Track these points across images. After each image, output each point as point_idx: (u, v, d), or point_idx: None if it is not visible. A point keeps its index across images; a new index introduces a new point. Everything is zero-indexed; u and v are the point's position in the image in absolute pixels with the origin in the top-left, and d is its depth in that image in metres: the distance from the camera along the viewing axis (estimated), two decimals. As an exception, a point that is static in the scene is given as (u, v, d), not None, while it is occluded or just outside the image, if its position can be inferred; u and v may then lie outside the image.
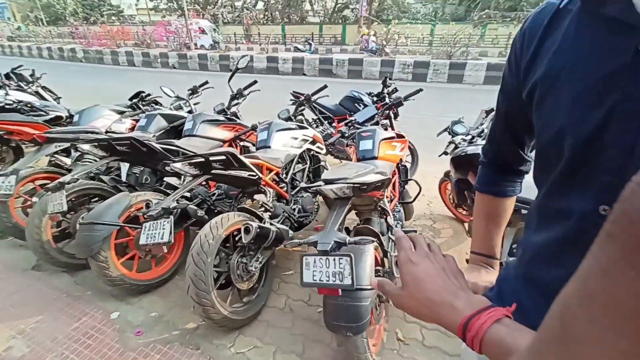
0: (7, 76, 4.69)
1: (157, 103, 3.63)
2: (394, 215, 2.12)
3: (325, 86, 3.21)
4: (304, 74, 11.15)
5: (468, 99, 7.46)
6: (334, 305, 1.32)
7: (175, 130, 2.86)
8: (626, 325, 0.17)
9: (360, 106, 3.78)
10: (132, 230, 1.97)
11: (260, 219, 1.87)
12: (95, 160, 2.19)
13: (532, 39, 0.50)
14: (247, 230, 1.65)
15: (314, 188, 1.53)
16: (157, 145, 2.10)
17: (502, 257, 1.68)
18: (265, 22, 24.88)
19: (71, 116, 3.81)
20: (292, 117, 2.70)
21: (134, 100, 3.50)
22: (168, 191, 2.19)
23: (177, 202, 1.73)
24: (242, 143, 2.95)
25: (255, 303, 1.86)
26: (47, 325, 1.74)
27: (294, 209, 2.28)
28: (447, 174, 2.82)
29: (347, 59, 10.53)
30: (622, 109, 0.38)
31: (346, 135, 2.36)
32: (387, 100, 3.69)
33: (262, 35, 20.55)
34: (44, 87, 4.94)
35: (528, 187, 0.69)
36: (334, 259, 1.25)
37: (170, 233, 1.50)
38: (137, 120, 3.33)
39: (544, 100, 0.48)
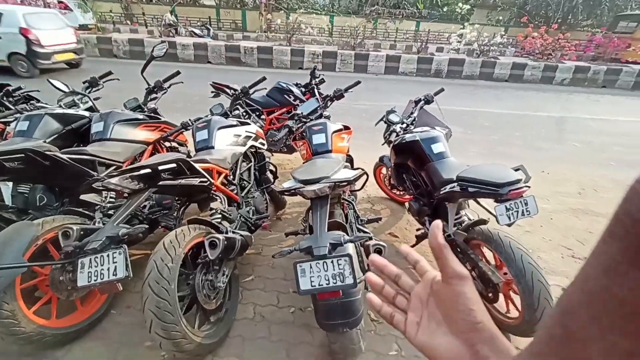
0: None
1: (31, 99, 2.82)
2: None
3: (264, 78, 3.00)
4: (209, 62, 10.26)
5: (373, 87, 8.12)
6: (327, 306, 1.32)
7: (73, 133, 2.28)
8: (628, 325, 0.17)
9: (290, 97, 3.72)
10: (41, 268, 1.52)
11: (217, 228, 1.70)
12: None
13: None
14: (213, 245, 1.48)
15: (293, 189, 1.46)
16: (64, 157, 1.64)
17: (448, 230, 1.96)
18: (149, 1, 21.67)
19: None
20: (229, 112, 2.48)
21: (-3, 97, 2.63)
22: (86, 212, 1.75)
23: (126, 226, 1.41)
24: (168, 144, 2.57)
25: (226, 320, 1.69)
26: None
27: (248, 211, 2.15)
28: (381, 159, 3.06)
29: (256, 47, 10.13)
30: None
31: (294, 129, 2.30)
32: (315, 91, 3.74)
33: (148, 16, 17.90)
34: None
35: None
36: (332, 261, 1.25)
37: (127, 267, 1.21)
38: (5, 124, 2.55)
39: None
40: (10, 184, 1.91)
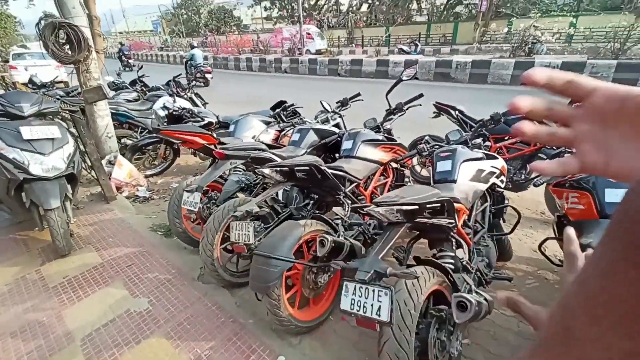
0: (167, 84, 5.45)
1: (297, 114, 3.60)
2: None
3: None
4: (416, 78, 10.38)
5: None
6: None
7: (324, 146, 2.69)
8: (628, 327, 0.17)
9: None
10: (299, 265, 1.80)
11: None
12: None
13: None
14: (462, 307, 1.26)
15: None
16: (329, 171, 1.89)
17: None
18: (369, 24, 24.65)
19: (219, 122, 4.11)
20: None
21: (277, 110, 3.53)
22: (333, 221, 1.96)
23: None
24: (395, 165, 2.60)
25: None
26: (220, 356, 1.67)
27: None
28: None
29: (470, 61, 9.34)
30: None
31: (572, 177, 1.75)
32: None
33: (366, 38, 20.36)
34: (196, 94, 5.59)
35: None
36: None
37: (392, 311, 1.19)
38: (280, 131, 3.33)
39: None
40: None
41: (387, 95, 2.63)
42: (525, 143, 3.12)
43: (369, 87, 3.02)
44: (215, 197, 2.47)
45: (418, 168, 3.64)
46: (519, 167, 3.17)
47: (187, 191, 2.19)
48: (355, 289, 1.23)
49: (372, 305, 1.19)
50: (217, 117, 4.12)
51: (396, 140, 2.47)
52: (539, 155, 3.03)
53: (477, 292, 1.45)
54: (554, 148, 2.67)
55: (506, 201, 2.14)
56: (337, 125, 2.94)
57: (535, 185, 2.26)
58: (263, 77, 13.87)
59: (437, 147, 2.12)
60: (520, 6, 19.17)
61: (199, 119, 3.92)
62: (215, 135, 2.79)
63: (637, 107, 0.28)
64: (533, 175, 2.88)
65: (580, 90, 0.31)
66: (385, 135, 2.53)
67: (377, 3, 24.65)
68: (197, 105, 5.28)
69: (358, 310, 1.20)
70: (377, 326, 1.20)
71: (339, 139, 2.63)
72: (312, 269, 1.79)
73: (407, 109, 2.62)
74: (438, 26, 20.68)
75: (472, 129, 2.31)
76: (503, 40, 13.87)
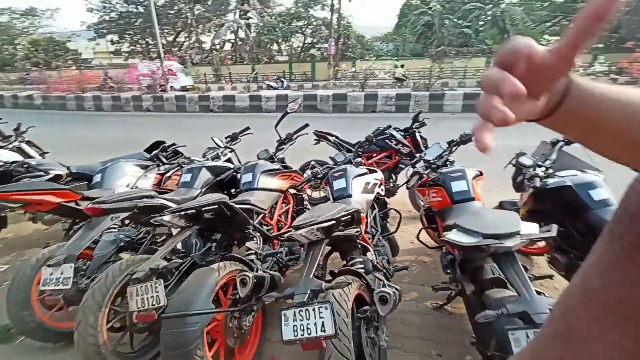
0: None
1: (178, 153, 3.33)
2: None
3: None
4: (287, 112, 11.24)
5: (449, 126, 7.84)
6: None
7: (220, 183, 2.59)
8: (629, 324, 0.17)
9: (391, 142, 3.77)
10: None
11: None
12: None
13: None
14: (383, 300, 1.43)
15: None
16: (237, 206, 1.84)
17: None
18: (235, 62, 25.34)
19: (72, 174, 3.38)
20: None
21: (155, 152, 3.18)
22: (247, 258, 1.89)
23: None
24: (293, 191, 2.75)
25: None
26: None
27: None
28: (500, 205, 2.80)
29: (331, 94, 10.85)
30: None
31: (424, 175, 2.27)
32: (416, 135, 3.75)
33: (234, 75, 20.81)
34: (28, 142, 4.38)
35: None
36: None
37: (334, 323, 1.22)
38: (162, 174, 3.01)
39: None
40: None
41: (276, 127, 2.80)
42: (387, 157, 3.85)
43: (245, 121, 3.14)
44: (84, 268, 1.96)
45: (309, 191, 3.92)
46: (387, 177, 3.87)
47: (50, 266, 1.68)
48: (295, 314, 1.23)
49: (315, 324, 1.20)
50: (68, 168, 3.35)
51: (291, 168, 2.64)
52: (400, 165, 3.79)
53: (389, 285, 1.67)
54: (409, 159, 3.41)
55: (388, 205, 2.57)
56: (228, 161, 2.90)
57: (407, 188, 2.80)
58: (120, 117, 12.13)
59: (328, 169, 2.38)
60: (359, 51, 23.78)
61: (41, 173, 3.10)
62: (73, 189, 2.28)
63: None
64: (399, 183, 3.54)
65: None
66: (280, 164, 2.66)
67: (240, 43, 25.78)
68: (30, 157, 4.13)
69: (302, 335, 1.20)
70: (324, 342, 1.21)
71: (234, 173, 2.60)
72: (234, 314, 1.67)
73: (296, 138, 2.84)
74: (299, 65, 23.23)
75: (354, 151, 2.71)
76: (352, 77, 16.76)
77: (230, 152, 2.89)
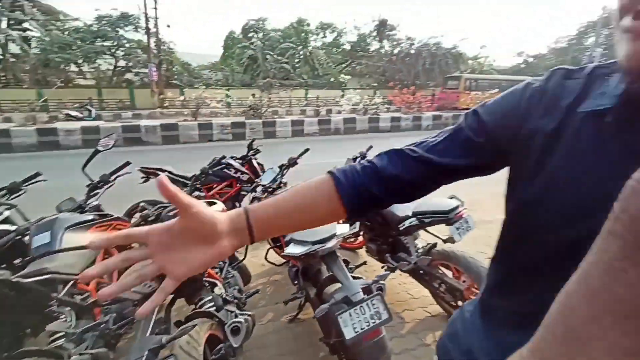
0: None
1: None
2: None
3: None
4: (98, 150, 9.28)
5: (293, 150, 8.77)
6: (371, 347, 1.40)
7: (-7, 253, 1.85)
8: (629, 324, 0.17)
9: (230, 171, 3.79)
10: None
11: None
12: None
13: (548, 111, 0.45)
14: (235, 331, 1.44)
15: (311, 251, 1.60)
16: (28, 281, 1.38)
17: (413, 259, 2.31)
18: (6, 84, 18.77)
19: None
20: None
21: None
22: (51, 348, 1.43)
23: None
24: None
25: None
26: None
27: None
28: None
29: (159, 124, 9.81)
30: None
31: (262, 199, 2.42)
32: (252, 161, 3.96)
33: (4, 101, 15.41)
34: None
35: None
36: (367, 304, 1.36)
37: None
38: None
39: (550, 188, 0.44)
40: None
41: (83, 169, 2.29)
42: (229, 186, 3.87)
43: (35, 164, 2.39)
44: None
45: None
46: (231, 206, 3.87)
47: None
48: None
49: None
50: None
51: (112, 215, 2.21)
52: (242, 192, 3.87)
53: (241, 314, 1.68)
54: (250, 185, 3.55)
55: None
56: (6, 221, 2.12)
57: None
58: None
59: (162, 208, 2.16)
60: (187, 79, 22.75)
61: None
62: None
63: (169, 235, 0.46)
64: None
65: (136, 239, 0.49)
66: (95, 213, 2.19)
67: (14, 60, 19.38)
68: None
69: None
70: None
71: (18, 237, 1.93)
72: None
73: (114, 180, 2.42)
74: (113, 91, 19.74)
75: (189, 185, 2.57)
76: (182, 105, 15.77)
77: (8, 209, 2.12)
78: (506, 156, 0.51)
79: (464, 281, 2.13)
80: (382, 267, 2.78)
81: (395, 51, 24.65)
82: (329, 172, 0.58)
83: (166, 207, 2.10)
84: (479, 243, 3.38)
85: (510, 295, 0.54)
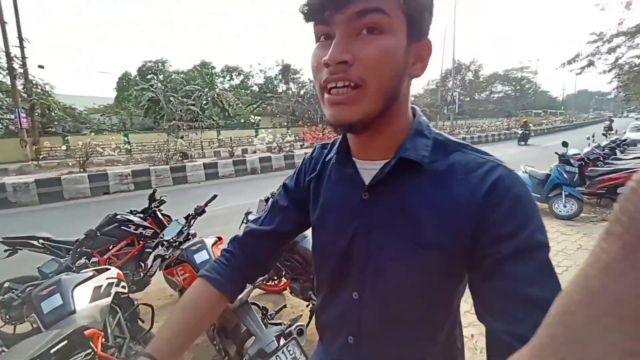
0: None
1: None
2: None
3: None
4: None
5: (198, 195, 8.29)
6: None
7: None
8: (629, 325, 0.17)
9: (129, 228, 3.35)
10: None
11: None
12: None
13: (314, 167, 0.71)
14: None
15: None
16: None
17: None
18: None
19: None
20: (71, 265, 2.03)
21: None
22: None
23: None
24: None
25: None
26: None
27: None
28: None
29: (33, 181, 8.10)
30: (359, 230, 0.60)
31: (167, 257, 2.21)
32: (157, 213, 3.59)
33: None
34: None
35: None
36: (282, 352, 1.36)
37: None
38: None
39: (321, 221, 0.67)
40: None
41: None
42: (129, 245, 3.41)
43: None
44: None
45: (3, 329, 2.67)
46: (135, 267, 3.39)
47: None
48: None
49: None
50: None
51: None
52: (146, 250, 3.44)
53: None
54: (153, 241, 3.20)
55: (135, 302, 2.26)
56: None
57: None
58: None
59: (32, 288, 1.78)
60: (72, 125, 19.73)
61: None
62: None
63: None
64: (154, 270, 3.20)
65: None
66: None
67: None
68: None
69: None
70: None
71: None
72: None
73: None
74: (-41, 143, 15.64)
75: (72, 251, 2.18)
76: (65, 156, 13.47)
77: None
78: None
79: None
80: (307, 306, 2.78)
81: (302, 92, 26.56)
82: (200, 276, 0.70)
83: (38, 285, 1.74)
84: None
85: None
